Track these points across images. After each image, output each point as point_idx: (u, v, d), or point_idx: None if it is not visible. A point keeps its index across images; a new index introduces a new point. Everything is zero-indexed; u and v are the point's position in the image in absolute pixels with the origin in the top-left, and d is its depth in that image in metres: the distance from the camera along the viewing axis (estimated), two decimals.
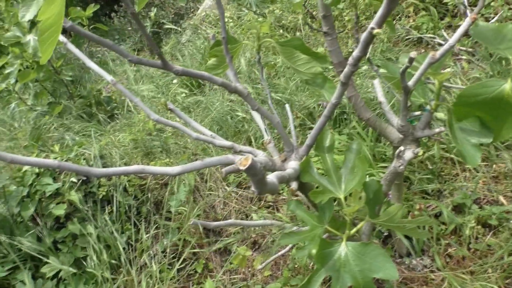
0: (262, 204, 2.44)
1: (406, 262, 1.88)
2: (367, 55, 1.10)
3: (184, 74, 0.80)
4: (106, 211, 2.15)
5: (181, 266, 2.08)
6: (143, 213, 2.32)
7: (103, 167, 2.37)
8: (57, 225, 2.09)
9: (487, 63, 2.48)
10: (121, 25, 6.90)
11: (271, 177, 0.90)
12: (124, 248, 2.06)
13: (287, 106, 1.29)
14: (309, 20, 3.93)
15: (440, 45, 2.90)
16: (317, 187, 1.11)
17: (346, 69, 0.80)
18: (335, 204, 1.03)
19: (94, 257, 1.95)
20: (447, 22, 3.27)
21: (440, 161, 2.20)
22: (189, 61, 4.37)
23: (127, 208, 2.23)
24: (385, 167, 2.20)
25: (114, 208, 2.16)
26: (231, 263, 2.09)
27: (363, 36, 0.71)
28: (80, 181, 2.13)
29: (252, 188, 0.81)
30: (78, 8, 3.30)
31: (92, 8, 3.28)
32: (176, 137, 2.96)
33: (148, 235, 2.16)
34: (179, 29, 5.61)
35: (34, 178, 2.06)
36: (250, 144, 2.77)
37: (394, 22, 3.46)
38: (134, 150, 2.81)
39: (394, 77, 1.14)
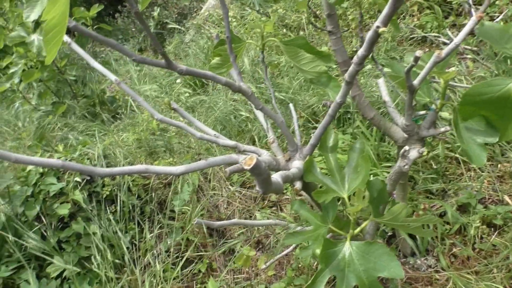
0: (265, 203, 2.44)
1: (410, 262, 1.87)
2: (371, 54, 1.10)
3: (188, 74, 0.80)
4: (110, 211, 2.15)
5: (185, 265, 2.08)
6: (146, 213, 2.32)
7: (107, 166, 2.37)
8: (61, 224, 2.10)
9: (492, 62, 2.47)
10: (125, 25, 6.92)
11: (276, 176, 0.90)
12: (128, 248, 2.06)
13: (291, 105, 1.29)
14: (313, 19, 3.92)
15: (445, 44, 2.89)
16: (320, 187, 1.11)
17: (351, 68, 0.80)
18: (338, 203, 1.02)
19: (98, 257, 1.96)
20: (452, 21, 3.25)
21: (445, 160, 2.19)
22: (193, 60, 4.37)
23: (130, 207, 2.23)
24: (389, 166, 2.19)
25: (118, 208, 2.17)
26: (234, 263, 2.09)
27: (368, 34, 0.70)
28: (84, 180, 2.14)
29: (257, 188, 0.81)
30: (82, 8, 3.31)
31: (96, 9, 3.28)
32: (179, 137, 2.96)
33: (151, 234, 2.16)
34: (182, 28, 5.62)
35: (38, 178, 2.07)
36: (253, 143, 2.77)
37: (398, 21, 3.45)
38: (137, 150, 2.82)
39: (398, 76, 1.13)
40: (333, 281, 1.83)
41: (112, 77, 1.03)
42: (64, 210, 2.02)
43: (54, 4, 0.61)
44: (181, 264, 2.04)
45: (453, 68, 0.92)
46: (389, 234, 1.96)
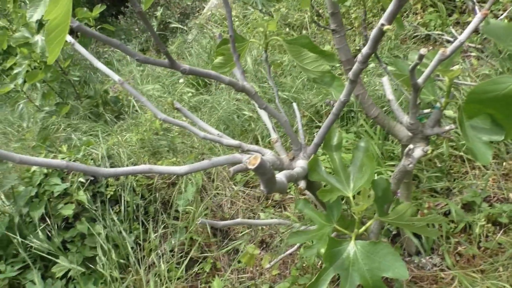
0: (269, 203, 2.44)
1: (415, 261, 1.86)
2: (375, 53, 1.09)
3: (191, 73, 0.80)
4: (114, 211, 2.16)
5: (189, 265, 2.08)
6: (150, 213, 2.32)
7: (111, 167, 2.38)
8: (66, 225, 2.10)
9: (497, 60, 2.46)
10: (127, 25, 6.93)
11: (280, 176, 0.89)
12: (132, 248, 2.07)
13: (294, 104, 1.28)
14: (316, 18, 3.91)
15: (449, 42, 2.87)
16: (325, 186, 1.10)
17: (355, 67, 0.80)
18: (343, 202, 1.02)
19: (103, 257, 1.96)
20: (455, 19, 3.24)
21: (449, 159, 2.18)
22: (195, 60, 4.37)
23: (135, 207, 2.23)
24: (393, 165, 2.18)
25: (122, 208, 2.17)
26: (239, 262, 2.09)
27: (373, 32, 0.70)
28: (88, 181, 2.14)
29: (261, 187, 0.80)
30: (85, 9, 3.31)
31: (98, 9, 3.29)
32: (182, 137, 2.96)
33: (156, 234, 2.16)
34: (185, 28, 5.62)
35: (43, 179, 2.07)
36: (257, 143, 2.77)
37: (402, 19, 3.43)
38: (141, 150, 2.82)
39: (403, 74, 1.13)
40: (337, 280, 1.83)
41: (116, 77, 1.03)
42: (68, 211, 2.03)
43: (56, 4, 0.61)
44: (185, 264, 2.04)
45: (457, 66, 0.91)
46: (393, 233, 1.96)
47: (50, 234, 2.01)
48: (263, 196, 2.46)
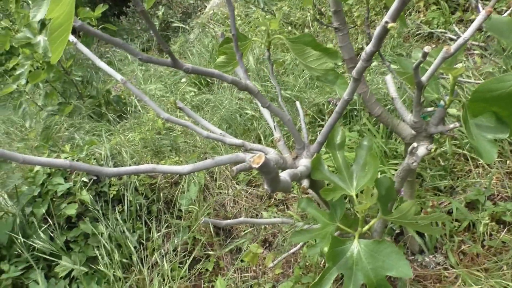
0: (272, 202, 2.43)
1: (418, 260, 1.86)
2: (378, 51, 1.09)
3: (194, 72, 0.80)
4: (117, 211, 2.16)
5: (192, 264, 2.08)
6: (153, 212, 2.32)
7: (114, 166, 2.38)
8: (69, 224, 2.10)
9: (500, 57, 2.44)
10: (130, 25, 6.93)
11: (284, 175, 0.89)
12: (135, 247, 2.07)
13: (297, 103, 1.28)
14: (318, 16, 3.90)
15: (452, 39, 2.86)
16: (328, 185, 1.10)
17: (358, 65, 0.79)
18: (346, 201, 1.02)
19: (106, 256, 1.96)
20: (458, 17, 3.22)
21: (453, 157, 2.17)
22: (198, 59, 4.37)
23: (137, 207, 2.24)
24: (397, 164, 2.17)
25: (125, 207, 2.17)
26: (242, 261, 2.09)
27: (377, 30, 0.70)
28: (91, 180, 2.15)
29: (265, 186, 0.80)
30: (87, 8, 3.31)
31: (101, 9, 3.29)
32: (185, 136, 2.96)
33: (159, 234, 2.17)
34: (187, 27, 5.62)
35: (46, 178, 2.08)
36: (259, 142, 2.76)
37: (404, 17, 3.42)
38: (143, 149, 2.82)
39: (406, 72, 1.12)
40: (341, 279, 1.82)
41: (118, 76, 1.03)
42: (71, 210, 2.03)
43: (58, 3, 0.61)
44: (188, 263, 2.04)
45: (460, 64, 0.90)
46: (397, 231, 1.95)
47: (53, 234, 2.02)
48: (266, 195, 2.46)
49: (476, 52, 2.76)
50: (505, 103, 0.78)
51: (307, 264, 1.96)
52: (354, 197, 0.98)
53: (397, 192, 1.17)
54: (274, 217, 2.26)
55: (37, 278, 1.89)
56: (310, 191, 1.38)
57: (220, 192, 2.51)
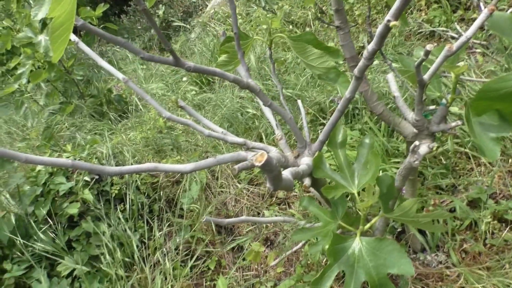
0: (273, 200, 2.44)
1: (420, 258, 1.85)
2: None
3: (196, 71, 0.80)
4: (119, 210, 2.16)
5: (194, 263, 2.09)
6: (155, 211, 2.33)
7: (116, 165, 2.38)
8: (71, 223, 2.11)
9: (502, 56, 2.44)
10: (131, 24, 6.94)
11: (286, 173, 0.89)
12: (137, 246, 2.07)
13: (299, 101, 1.28)
14: (319, 15, 3.90)
15: (453, 38, 2.86)
16: (329, 183, 1.10)
17: (360, 63, 0.79)
18: (348, 199, 1.02)
19: (108, 255, 1.96)
20: (460, 15, 3.22)
21: (454, 155, 2.17)
22: (199, 58, 4.37)
23: (139, 206, 2.24)
24: (398, 162, 2.17)
25: (127, 206, 2.18)
26: (243, 260, 2.09)
27: (379, 28, 0.70)
28: (93, 180, 2.15)
29: (267, 185, 0.80)
30: (88, 8, 3.31)
31: (102, 8, 3.29)
32: (186, 135, 2.97)
33: (160, 232, 2.17)
34: (188, 26, 5.63)
35: (48, 178, 2.08)
36: (260, 140, 2.76)
37: (406, 15, 3.41)
38: (145, 148, 2.83)
39: (408, 70, 1.12)
40: (342, 277, 1.82)
41: (120, 75, 1.03)
42: (73, 209, 2.04)
43: (59, 3, 0.61)
44: (190, 262, 2.05)
45: (462, 63, 0.90)
46: (398, 230, 1.95)
47: (55, 234, 2.02)
48: (267, 194, 2.46)
49: (478, 50, 2.75)
50: (510, 100, 0.77)
51: (309, 262, 1.96)
52: (356, 195, 0.98)
53: (399, 190, 1.17)
54: (276, 215, 2.26)
55: (39, 277, 1.90)
56: (311, 189, 1.38)
57: (222, 191, 2.51)
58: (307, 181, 1.04)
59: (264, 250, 2.16)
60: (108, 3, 3.30)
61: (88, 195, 2.07)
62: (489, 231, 1.84)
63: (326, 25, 3.71)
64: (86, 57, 4.18)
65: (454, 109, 1.06)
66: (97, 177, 2.18)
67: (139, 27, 6.63)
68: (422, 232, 1.87)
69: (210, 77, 3.88)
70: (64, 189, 2.05)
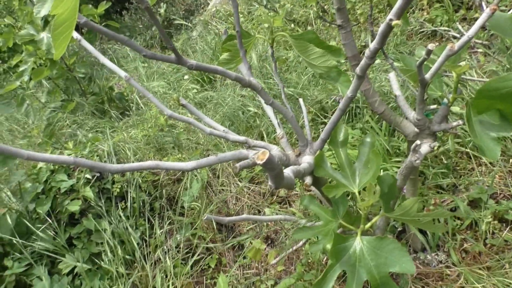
0: (274, 199, 2.44)
1: (421, 257, 1.86)
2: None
3: (198, 69, 0.80)
4: (120, 207, 2.17)
5: (195, 261, 2.09)
6: (156, 209, 2.33)
7: (117, 163, 2.39)
8: (72, 221, 2.11)
9: (504, 56, 2.43)
10: (132, 22, 6.94)
11: (287, 171, 0.89)
12: (138, 244, 2.07)
13: (301, 100, 1.28)
14: (321, 13, 3.90)
15: (455, 38, 2.85)
16: (330, 182, 1.10)
17: (362, 62, 0.79)
18: (349, 198, 1.02)
19: (109, 253, 1.97)
20: (462, 15, 3.21)
21: (455, 155, 2.17)
22: (200, 56, 4.37)
23: (140, 204, 2.24)
24: (399, 161, 2.17)
25: (128, 204, 2.18)
26: (244, 258, 2.10)
27: (381, 27, 0.70)
28: (94, 177, 2.15)
29: (269, 183, 0.80)
30: (90, 5, 3.32)
31: (104, 6, 3.29)
32: (188, 133, 2.97)
33: (161, 230, 2.17)
34: (189, 25, 5.63)
35: (49, 175, 2.08)
36: (262, 139, 2.77)
37: (408, 15, 3.41)
38: (146, 146, 2.83)
39: (409, 70, 1.12)
40: (343, 276, 1.83)
41: (122, 73, 1.03)
42: (74, 207, 2.04)
43: (62, 0, 0.61)
44: (191, 260, 2.05)
45: (464, 62, 0.90)
46: (399, 229, 1.95)
47: (56, 231, 2.02)
48: (268, 192, 2.46)
49: (479, 50, 2.75)
50: (511, 100, 0.77)
51: (309, 261, 1.97)
52: (357, 194, 0.98)
53: (400, 189, 1.17)
54: (277, 214, 2.26)
55: (40, 275, 1.90)
56: (312, 188, 1.38)
57: (223, 189, 2.51)
58: (308, 180, 1.04)
59: (265, 249, 2.17)
60: (110, 1, 3.29)
61: (89, 192, 2.07)
62: (489, 231, 1.84)
63: (328, 24, 3.71)
64: (88, 55, 4.18)
65: (455, 108, 1.06)
66: (98, 174, 2.18)
67: (141, 25, 6.63)
68: (422, 231, 1.87)
69: (211, 75, 3.88)
70: (66, 187, 2.05)
